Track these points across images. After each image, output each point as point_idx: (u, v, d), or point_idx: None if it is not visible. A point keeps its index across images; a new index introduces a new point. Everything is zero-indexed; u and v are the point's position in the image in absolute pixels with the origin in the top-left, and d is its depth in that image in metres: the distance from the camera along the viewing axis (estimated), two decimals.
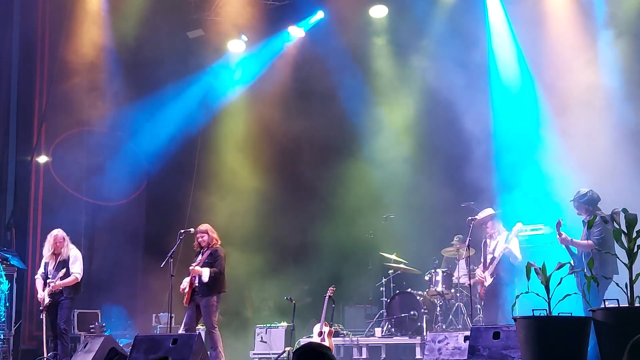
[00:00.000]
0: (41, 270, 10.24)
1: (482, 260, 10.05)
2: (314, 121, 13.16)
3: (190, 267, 9.57)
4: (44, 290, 10.02)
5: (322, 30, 13.79)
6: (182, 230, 10.04)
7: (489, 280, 9.68)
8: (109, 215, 13.87)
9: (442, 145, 12.11)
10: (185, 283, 9.59)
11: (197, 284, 9.55)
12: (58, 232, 10.20)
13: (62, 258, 10.06)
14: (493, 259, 9.70)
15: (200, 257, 9.72)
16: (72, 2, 13.21)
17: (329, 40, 13.57)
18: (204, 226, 9.90)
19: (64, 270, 9.93)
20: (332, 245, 13.01)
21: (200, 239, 9.79)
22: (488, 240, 9.93)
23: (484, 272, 9.82)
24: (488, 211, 9.92)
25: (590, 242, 8.30)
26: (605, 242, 8.14)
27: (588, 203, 8.52)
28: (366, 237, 12.69)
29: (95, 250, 13.58)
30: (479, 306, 10.59)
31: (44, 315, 10.07)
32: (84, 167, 13.79)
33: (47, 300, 9.93)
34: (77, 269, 10.05)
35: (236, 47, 14.32)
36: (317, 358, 3.95)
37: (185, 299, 9.61)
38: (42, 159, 13.32)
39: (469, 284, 9.90)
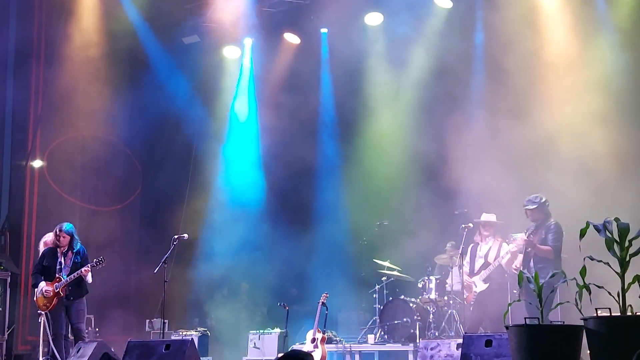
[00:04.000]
0: None
1: (463, 264, 10.11)
2: (307, 128, 13.25)
3: (85, 269, 9.33)
4: None
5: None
6: (175, 236, 10.03)
7: (481, 286, 9.69)
8: (104, 220, 13.86)
9: (437, 151, 12.12)
10: (49, 287, 9.39)
11: (69, 287, 9.41)
12: (47, 238, 10.17)
13: None
14: (486, 264, 9.72)
15: (62, 258, 9.55)
16: (68, 8, 13.22)
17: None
18: (68, 225, 9.69)
19: None
20: (326, 251, 13.04)
21: (62, 238, 9.55)
22: (480, 244, 9.99)
23: (471, 277, 9.88)
24: (493, 217, 9.96)
25: (549, 247, 8.59)
26: (559, 249, 8.65)
27: (546, 207, 8.85)
28: (360, 243, 12.72)
29: (89, 255, 13.54)
30: (454, 311, 10.57)
31: (41, 318, 10.05)
32: (78, 172, 13.79)
33: None
34: None
35: (232, 52, 14.35)
36: None
37: (53, 303, 9.42)
38: (37, 163, 13.31)
39: (463, 291, 9.94)
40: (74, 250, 9.63)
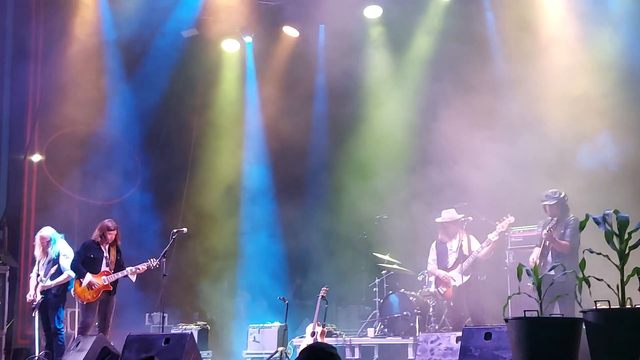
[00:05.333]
0: (35, 268, 10.24)
1: (433, 259, 10.12)
2: (305, 122, 13.24)
3: (142, 267, 9.73)
4: (35, 288, 10.02)
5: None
6: (175, 230, 10.03)
7: (461, 279, 9.70)
8: (103, 215, 13.82)
9: (435, 145, 12.10)
10: (97, 280, 9.58)
11: (111, 283, 9.69)
12: (43, 232, 10.20)
13: (51, 256, 10.05)
14: (464, 257, 9.73)
15: (106, 253, 9.79)
16: (66, 2, 13.18)
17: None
18: (114, 222, 9.94)
19: (55, 267, 9.94)
20: (326, 245, 13.03)
21: (109, 235, 9.79)
22: (448, 240, 10.01)
23: (448, 271, 9.89)
24: (453, 212, 10.01)
25: (567, 242, 8.59)
26: (577, 245, 8.59)
27: (565, 202, 8.81)
28: (360, 237, 12.71)
29: None
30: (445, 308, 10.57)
31: (35, 313, 10.07)
32: (77, 166, 13.77)
33: (38, 298, 9.92)
34: (68, 264, 10.04)
35: (231, 46, 14.31)
36: (325, 358, 3.94)
37: (98, 296, 9.61)
38: (36, 157, 13.29)
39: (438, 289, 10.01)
40: (117, 249, 9.92)
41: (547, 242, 8.79)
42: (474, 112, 11.17)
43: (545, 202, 8.89)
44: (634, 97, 10.45)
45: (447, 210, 10.05)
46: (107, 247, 9.83)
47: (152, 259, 9.78)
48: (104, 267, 9.73)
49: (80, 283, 9.61)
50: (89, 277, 9.58)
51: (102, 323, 9.76)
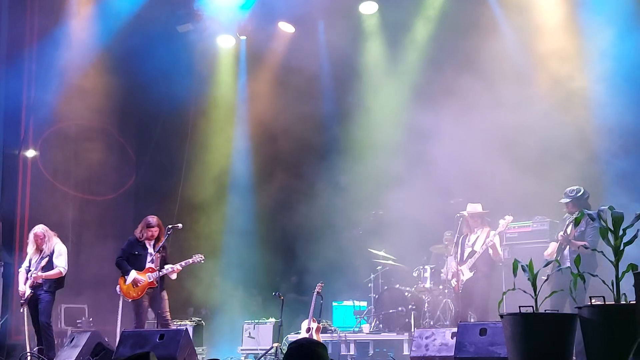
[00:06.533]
0: (25, 263, 10.17)
1: (457, 253, 10.13)
2: (301, 116, 13.22)
3: (191, 261, 9.83)
4: (25, 283, 9.97)
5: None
6: (170, 226, 10.00)
7: (467, 274, 9.71)
8: (97, 210, 13.83)
9: (434, 140, 12.09)
10: (142, 277, 9.58)
11: (158, 279, 9.62)
12: (37, 230, 10.14)
13: (45, 253, 10.00)
14: (473, 252, 9.74)
15: (151, 249, 9.78)
16: None
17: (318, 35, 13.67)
18: (156, 219, 9.89)
19: (45, 260, 9.89)
20: (321, 241, 13.02)
21: (150, 232, 9.78)
22: (469, 234, 10.01)
23: (459, 265, 9.90)
24: (478, 207, 9.98)
25: (584, 242, 8.46)
26: (597, 243, 8.38)
27: (587, 200, 8.71)
28: (355, 233, 12.69)
29: (82, 245, 13.53)
30: (448, 300, 10.56)
31: (24, 308, 10.02)
32: (72, 161, 13.74)
33: (27, 292, 9.88)
34: (61, 262, 9.99)
35: (226, 41, 14.28)
36: (308, 353, 3.94)
37: (143, 293, 9.59)
38: (30, 152, 13.25)
39: (451, 280, 9.98)
40: (161, 246, 9.81)
41: (565, 233, 8.73)
42: (472, 105, 11.18)
43: (563, 200, 8.83)
44: (625, 88, 10.44)
45: (473, 204, 10.04)
46: (152, 243, 9.81)
47: (197, 255, 9.89)
48: (148, 264, 9.70)
49: (125, 280, 9.61)
50: (133, 274, 9.58)
51: (159, 319, 9.62)
